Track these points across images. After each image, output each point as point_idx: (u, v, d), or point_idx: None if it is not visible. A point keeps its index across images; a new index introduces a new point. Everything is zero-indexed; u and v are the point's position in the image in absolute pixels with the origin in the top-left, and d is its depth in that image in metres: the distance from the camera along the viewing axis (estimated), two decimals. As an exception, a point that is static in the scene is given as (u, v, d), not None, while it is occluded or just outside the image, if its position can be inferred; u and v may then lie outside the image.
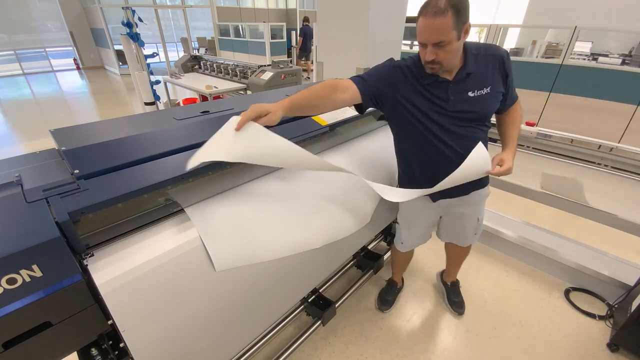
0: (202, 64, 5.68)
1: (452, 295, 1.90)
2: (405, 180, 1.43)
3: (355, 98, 1.18)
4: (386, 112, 1.30)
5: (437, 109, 1.19)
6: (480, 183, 1.36)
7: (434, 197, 1.39)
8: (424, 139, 1.24)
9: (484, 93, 1.18)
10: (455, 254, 1.79)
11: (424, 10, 1.01)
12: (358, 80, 1.21)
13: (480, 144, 1.19)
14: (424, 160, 1.29)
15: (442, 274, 2.00)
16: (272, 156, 0.98)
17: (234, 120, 0.93)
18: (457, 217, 1.50)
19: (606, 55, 5.33)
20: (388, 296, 1.87)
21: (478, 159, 1.18)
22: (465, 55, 1.15)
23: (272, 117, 0.97)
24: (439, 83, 1.17)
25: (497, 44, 4.45)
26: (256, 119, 0.95)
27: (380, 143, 1.70)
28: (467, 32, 1.06)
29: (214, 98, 4.19)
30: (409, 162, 1.35)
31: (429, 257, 2.28)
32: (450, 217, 1.52)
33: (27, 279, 0.68)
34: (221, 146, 0.92)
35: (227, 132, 0.92)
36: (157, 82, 4.22)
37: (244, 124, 0.92)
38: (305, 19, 8.51)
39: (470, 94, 1.17)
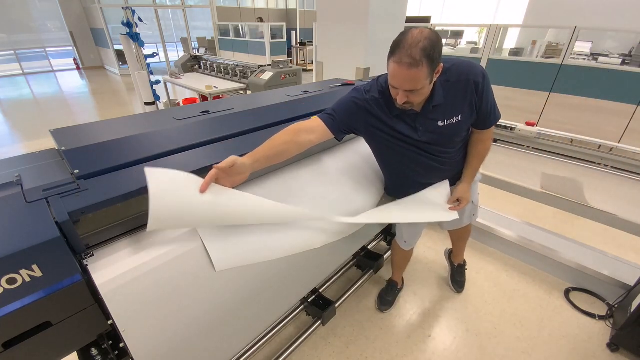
0: (202, 64, 5.69)
1: (456, 275, 1.99)
2: (392, 187, 1.50)
3: (325, 135, 1.18)
4: (362, 136, 1.33)
5: (406, 139, 1.20)
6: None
7: None
8: (400, 160, 1.30)
9: (454, 122, 1.16)
10: (458, 236, 1.87)
11: (397, 57, 0.96)
12: (326, 117, 1.19)
13: (444, 183, 1.34)
14: (405, 173, 1.35)
15: (450, 254, 2.04)
16: (242, 216, 0.96)
17: (178, 177, 0.83)
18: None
19: (606, 55, 5.33)
20: (388, 296, 1.87)
21: (437, 193, 1.32)
22: (434, 87, 1.10)
23: (241, 177, 0.97)
24: (407, 114, 1.17)
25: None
26: (218, 180, 0.91)
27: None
28: (438, 73, 1.04)
29: (214, 98, 4.19)
30: (392, 172, 1.43)
31: (429, 257, 2.28)
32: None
33: (27, 279, 0.68)
34: (184, 211, 0.83)
35: (183, 194, 0.83)
36: (157, 82, 4.22)
37: (207, 186, 0.87)
38: None
39: (440, 123, 1.16)
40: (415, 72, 0.96)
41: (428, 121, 1.16)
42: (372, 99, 1.19)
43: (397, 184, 1.45)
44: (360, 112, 1.20)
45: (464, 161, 1.37)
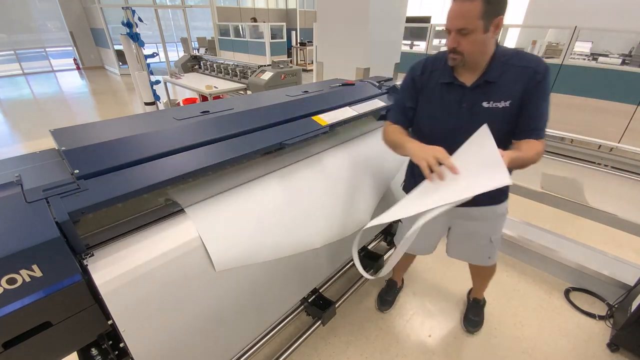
0: (202, 64, 5.68)
1: (469, 312, 1.78)
2: (410, 173, 1.39)
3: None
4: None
5: (446, 110, 1.13)
6: (492, 197, 1.16)
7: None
8: (429, 133, 1.20)
9: (500, 106, 1.06)
10: (474, 272, 1.68)
11: None
12: (397, 118, 1.27)
13: (484, 127, 1.00)
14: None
15: (470, 289, 1.87)
16: None
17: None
18: (466, 233, 1.39)
19: (606, 55, 5.33)
20: (388, 296, 1.87)
21: (480, 140, 0.98)
22: (491, 60, 1.04)
23: None
24: (455, 86, 1.10)
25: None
26: None
27: (380, 143, 1.70)
28: (497, 28, 0.97)
29: (214, 98, 4.19)
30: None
31: (428, 257, 2.27)
32: (459, 231, 1.41)
33: (27, 279, 0.68)
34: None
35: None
36: (157, 82, 4.22)
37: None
38: None
39: (485, 104, 1.07)
40: (468, 6, 0.92)
41: (475, 96, 1.08)
42: (426, 63, 1.18)
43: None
44: (415, 85, 1.20)
45: None
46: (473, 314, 1.76)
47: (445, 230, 1.46)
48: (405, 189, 1.46)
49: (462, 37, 0.98)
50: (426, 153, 1.00)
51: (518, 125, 1.08)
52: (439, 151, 0.99)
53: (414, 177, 1.36)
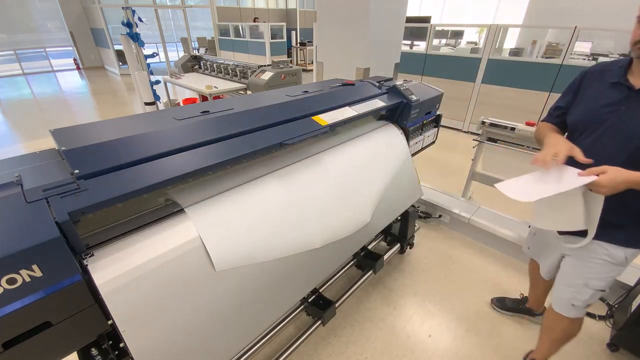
0: (202, 64, 5.68)
1: None
2: None
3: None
4: None
5: (603, 113, 1.01)
6: (612, 235, 1.06)
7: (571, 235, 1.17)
8: (581, 134, 1.10)
9: None
10: (546, 321, 1.38)
11: None
12: (548, 117, 1.27)
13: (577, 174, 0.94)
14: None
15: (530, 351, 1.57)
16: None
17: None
18: (565, 261, 1.24)
19: (606, 56, 5.32)
20: (510, 302, 1.84)
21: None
22: None
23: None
24: (621, 86, 0.98)
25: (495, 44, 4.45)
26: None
27: (380, 143, 1.70)
28: None
29: (214, 98, 4.19)
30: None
31: (429, 256, 2.28)
32: (564, 258, 1.25)
33: (27, 279, 0.68)
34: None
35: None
36: (157, 82, 4.22)
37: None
38: None
39: None
40: None
41: (637, 104, 0.94)
42: (598, 66, 1.11)
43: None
44: (579, 84, 1.15)
45: None
46: None
47: (560, 255, 1.30)
48: None
49: None
50: (549, 147, 1.02)
51: None
52: (562, 147, 0.99)
53: None
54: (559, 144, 1.01)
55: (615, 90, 1.01)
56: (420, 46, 5.63)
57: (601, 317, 1.81)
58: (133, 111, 6.16)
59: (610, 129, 1.00)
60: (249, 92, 4.51)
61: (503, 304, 1.85)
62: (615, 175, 0.89)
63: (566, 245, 1.19)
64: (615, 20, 6.01)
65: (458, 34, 7.72)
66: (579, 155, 0.97)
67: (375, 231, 1.63)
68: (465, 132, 4.97)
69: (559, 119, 1.23)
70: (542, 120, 1.31)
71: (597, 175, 0.91)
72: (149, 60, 4.05)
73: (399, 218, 2.06)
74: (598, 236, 1.06)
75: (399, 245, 2.11)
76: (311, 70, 9.11)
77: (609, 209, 0.97)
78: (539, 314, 1.76)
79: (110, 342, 0.98)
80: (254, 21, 9.09)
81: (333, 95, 1.61)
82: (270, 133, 1.21)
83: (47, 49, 10.24)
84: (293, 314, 1.60)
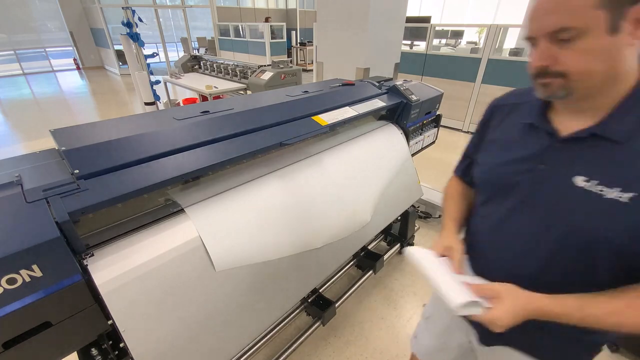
0: (202, 64, 5.68)
1: None
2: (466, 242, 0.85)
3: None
4: None
5: (513, 171, 0.69)
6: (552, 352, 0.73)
7: (484, 337, 0.81)
8: (485, 198, 0.79)
9: (609, 197, 0.55)
10: None
11: None
12: (458, 169, 0.95)
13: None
14: (480, 230, 0.80)
15: None
16: None
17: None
18: None
19: None
20: None
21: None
22: (630, 96, 0.56)
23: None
24: (539, 132, 0.66)
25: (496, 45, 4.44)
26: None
27: (380, 143, 1.70)
28: (639, 26, 0.51)
29: (214, 98, 4.19)
30: (471, 225, 0.86)
31: (429, 257, 2.27)
32: None
33: (27, 279, 0.68)
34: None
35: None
36: (157, 82, 4.22)
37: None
38: None
39: (581, 180, 0.58)
40: None
41: (566, 158, 0.61)
42: (510, 97, 0.78)
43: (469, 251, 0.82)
44: (487, 122, 0.82)
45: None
46: None
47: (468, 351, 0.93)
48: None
49: (561, 47, 0.54)
50: (441, 239, 0.80)
51: None
52: (452, 249, 0.76)
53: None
54: (446, 240, 0.78)
55: (531, 137, 0.67)
56: (420, 46, 5.63)
57: (601, 317, 1.81)
58: (133, 111, 6.16)
59: (526, 199, 0.67)
60: (249, 92, 4.51)
61: None
62: (510, 310, 0.60)
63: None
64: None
65: (458, 34, 7.72)
66: (457, 269, 0.72)
67: (375, 231, 1.63)
68: (465, 132, 4.97)
69: (469, 170, 0.89)
70: (454, 173, 0.97)
71: (489, 298, 0.63)
72: (149, 60, 4.06)
73: (399, 218, 2.06)
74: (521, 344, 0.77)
75: (399, 245, 2.12)
76: (311, 70, 9.11)
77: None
78: None
79: (110, 342, 0.98)
80: (266, 20, 9.07)
81: (333, 95, 1.61)
82: (270, 133, 1.21)
83: (47, 49, 10.24)
84: (293, 314, 1.60)
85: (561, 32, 0.53)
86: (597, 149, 0.58)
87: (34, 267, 0.68)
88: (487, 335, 0.79)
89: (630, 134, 0.55)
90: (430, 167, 3.67)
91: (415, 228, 2.24)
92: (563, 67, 0.55)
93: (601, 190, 0.56)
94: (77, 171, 0.82)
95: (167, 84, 5.10)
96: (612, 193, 0.55)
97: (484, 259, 0.77)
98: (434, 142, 2.16)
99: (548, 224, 0.63)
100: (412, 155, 1.89)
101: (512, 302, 0.60)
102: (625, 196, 0.54)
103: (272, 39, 8.56)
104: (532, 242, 0.66)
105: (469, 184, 0.91)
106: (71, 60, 10.64)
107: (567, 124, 0.63)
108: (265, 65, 4.53)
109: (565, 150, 0.62)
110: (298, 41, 11.38)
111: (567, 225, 0.60)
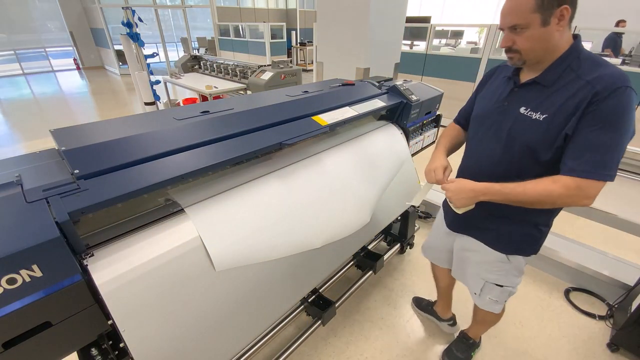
0: (202, 64, 5.69)
1: (454, 345, 1.58)
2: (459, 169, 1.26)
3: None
4: None
5: (491, 107, 1.05)
6: (495, 240, 1.14)
7: (450, 224, 1.31)
8: (473, 127, 1.15)
9: (532, 117, 0.92)
10: (473, 313, 1.49)
11: None
12: (456, 118, 1.32)
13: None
14: (468, 155, 1.18)
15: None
16: None
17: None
18: (463, 257, 1.31)
19: (607, 56, 5.33)
20: (425, 303, 1.83)
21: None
22: (558, 60, 0.89)
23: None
24: (510, 82, 1.02)
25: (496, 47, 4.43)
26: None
27: (380, 143, 1.70)
28: (563, 19, 0.83)
29: (214, 98, 4.19)
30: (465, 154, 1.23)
31: (429, 257, 2.27)
32: (457, 253, 1.35)
33: (27, 279, 0.68)
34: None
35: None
36: (157, 82, 4.22)
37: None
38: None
39: (522, 109, 0.94)
40: (518, 0, 0.83)
41: (518, 97, 0.97)
42: (501, 66, 1.12)
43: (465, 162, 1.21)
44: (482, 83, 1.19)
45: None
46: (458, 349, 1.56)
47: (451, 247, 1.39)
48: None
49: (516, 35, 0.88)
50: (430, 162, 1.18)
51: (562, 151, 0.90)
52: (437, 167, 1.13)
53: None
54: (436, 162, 1.15)
55: (507, 86, 1.02)
56: (420, 46, 5.63)
57: (601, 317, 1.81)
58: (133, 111, 6.16)
59: (493, 126, 1.04)
60: (248, 92, 4.51)
61: (419, 304, 1.84)
62: (458, 187, 0.99)
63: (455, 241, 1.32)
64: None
65: (458, 34, 7.72)
66: (442, 182, 1.08)
67: (375, 231, 1.63)
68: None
69: (465, 116, 1.26)
70: (453, 120, 1.33)
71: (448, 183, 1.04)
72: (149, 60, 4.05)
73: (399, 218, 2.06)
74: (481, 237, 1.19)
75: (399, 245, 2.11)
76: (311, 70, 9.11)
77: (478, 213, 1.06)
78: (445, 320, 1.73)
79: (110, 342, 0.98)
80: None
81: (333, 95, 1.61)
82: (270, 133, 1.21)
83: (47, 49, 10.24)
84: (293, 314, 1.60)
85: (514, 26, 0.87)
86: (534, 90, 0.94)
87: (34, 267, 0.68)
88: (450, 222, 1.30)
89: (553, 81, 0.90)
90: (430, 167, 3.66)
91: (415, 228, 2.24)
92: (518, 47, 0.89)
93: (530, 114, 0.92)
94: (77, 171, 0.82)
95: (167, 84, 5.10)
96: (536, 115, 0.91)
97: (468, 165, 1.17)
98: (434, 142, 2.16)
99: (501, 136, 1.00)
100: (412, 155, 1.89)
101: (459, 184, 1.00)
102: (543, 117, 0.90)
103: (272, 39, 8.56)
104: (491, 150, 1.04)
105: (463, 127, 1.29)
106: (71, 60, 10.64)
107: (524, 77, 0.98)
108: (265, 65, 4.53)
109: (519, 92, 0.98)
110: (298, 41, 11.38)
111: (511, 137, 0.97)
